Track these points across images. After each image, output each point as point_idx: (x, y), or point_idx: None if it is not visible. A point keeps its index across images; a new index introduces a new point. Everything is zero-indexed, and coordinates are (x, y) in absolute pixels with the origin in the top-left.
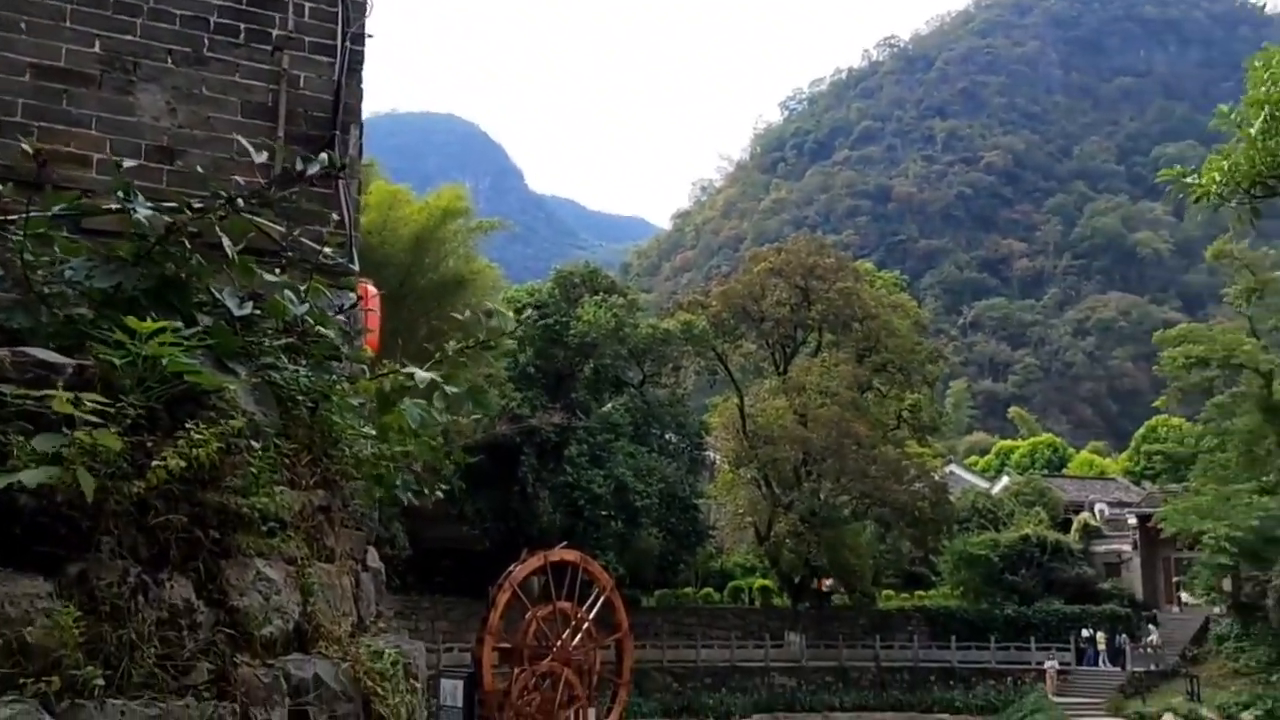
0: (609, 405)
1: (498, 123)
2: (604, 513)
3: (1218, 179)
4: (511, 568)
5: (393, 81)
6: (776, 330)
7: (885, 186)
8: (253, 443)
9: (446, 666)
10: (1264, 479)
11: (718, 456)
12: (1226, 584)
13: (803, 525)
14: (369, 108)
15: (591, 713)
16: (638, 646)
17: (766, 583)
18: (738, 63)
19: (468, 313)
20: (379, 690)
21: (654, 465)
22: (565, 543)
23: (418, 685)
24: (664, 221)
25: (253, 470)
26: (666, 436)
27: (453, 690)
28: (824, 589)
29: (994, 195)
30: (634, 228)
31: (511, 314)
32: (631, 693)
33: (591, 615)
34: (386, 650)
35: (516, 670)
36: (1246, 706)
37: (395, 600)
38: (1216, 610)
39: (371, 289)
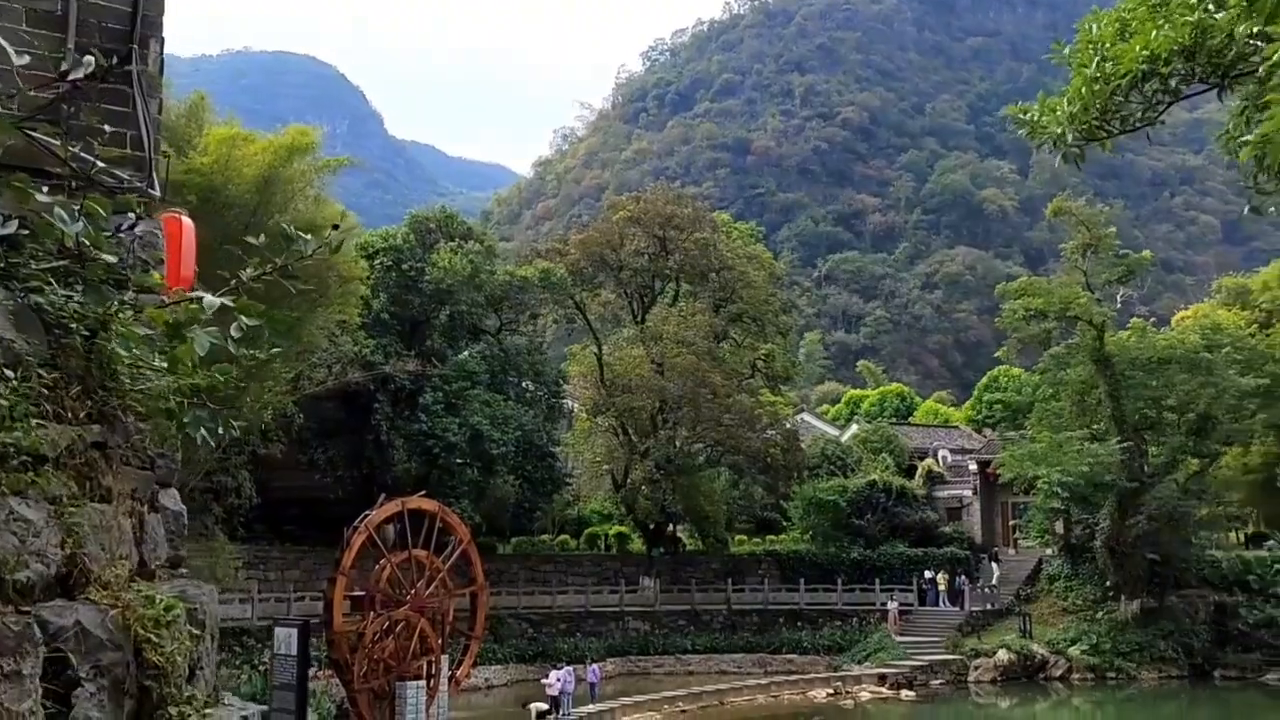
0: (465, 353)
1: (358, 66)
2: (459, 460)
3: (1058, 116)
4: (368, 512)
5: (246, 19)
6: (635, 280)
7: (744, 140)
8: (7, 371)
9: (296, 615)
10: (1094, 427)
11: (576, 405)
12: (1058, 527)
13: (658, 472)
14: (218, 45)
15: (445, 660)
16: (493, 593)
17: (623, 529)
18: (601, 10)
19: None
20: (152, 638)
21: (510, 413)
22: (423, 491)
23: (205, 633)
24: (526, 170)
25: (3, 401)
26: (524, 385)
27: (287, 638)
28: (678, 534)
29: (849, 151)
30: (496, 175)
31: (364, 260)
32: (486, 639)
33: (447, 566)
34: (165, 597)
35: (370, 615)
36: (1074, 641)
37: (243, 549)
38: (1049, 552)
39: (185, 220)
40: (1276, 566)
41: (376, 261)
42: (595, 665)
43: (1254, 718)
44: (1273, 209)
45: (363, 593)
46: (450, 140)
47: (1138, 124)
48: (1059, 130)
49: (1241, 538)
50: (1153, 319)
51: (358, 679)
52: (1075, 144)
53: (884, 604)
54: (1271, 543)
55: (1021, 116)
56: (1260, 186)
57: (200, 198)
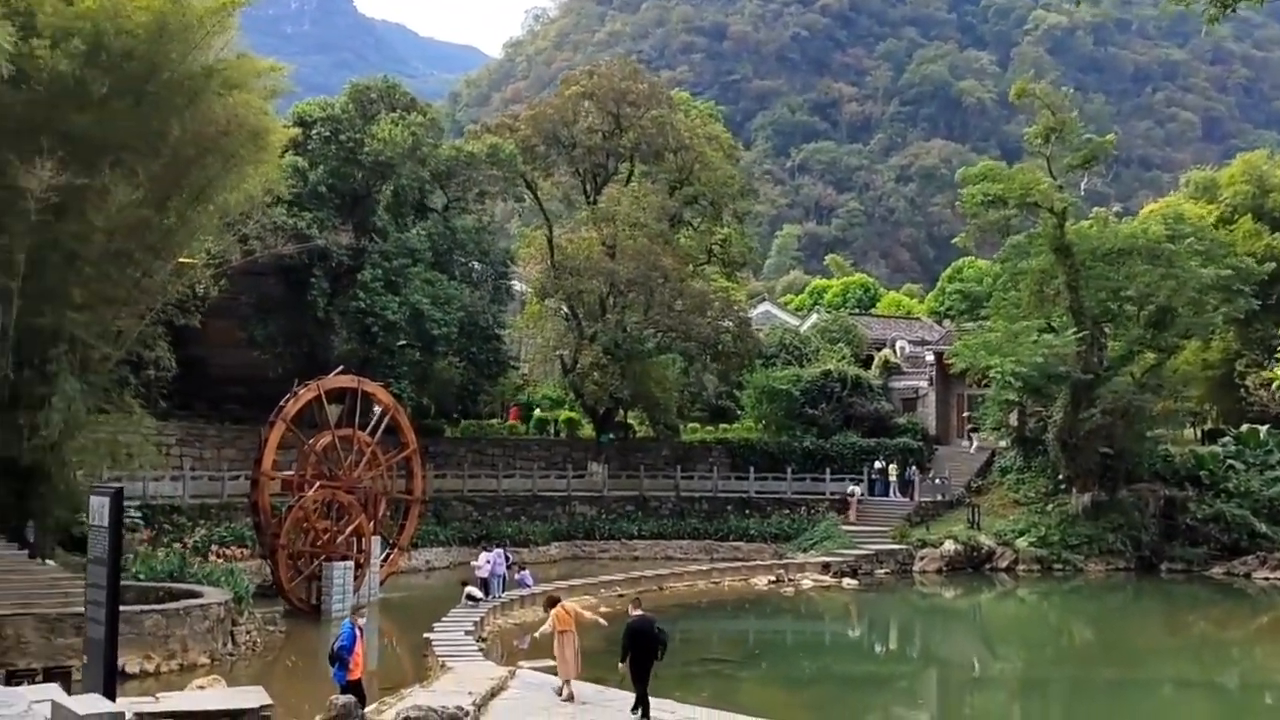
0: (413, 230)
1: None
2: (400, 341)
3: None
4: (283, 402)
5: None
6: (588, 158)
7: (722, 24)
8: None
9: (230, 494)
10: (1052, 318)
11: (525, 288)
12: (1012, 418)
13: (607, 357)
14: None
15: (375, 540)
16: (438, 476)
17: (573, 415)
18: None
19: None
20: None
21: (454, 293)
22: (341, 368)
23: None
24: (498, 53)
25: None
26: (470, 265)
27: (99, 507)
28: (629, 420)
29: (828, 38)
30: (467, 58)
31: (298, 129)
32: (427, 520)
33: (375, 439)
34: None
35: (293, 502)
36: (1022, 533)
37: (178, 426)
38: (1002, 444)
39: None
40: (1229, 462)
41: (314, 132)
42: (527, 572)
43: (1196, 609)
44: None
45: (288, 476)
46: (422, 20)
47: None
48: None
49: (1198, 434)
50: (1128, 216)
51: (284, 568)
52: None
53: (834, 493)
54: (1226, 439)
55: None
56: None
57: (89, 45)
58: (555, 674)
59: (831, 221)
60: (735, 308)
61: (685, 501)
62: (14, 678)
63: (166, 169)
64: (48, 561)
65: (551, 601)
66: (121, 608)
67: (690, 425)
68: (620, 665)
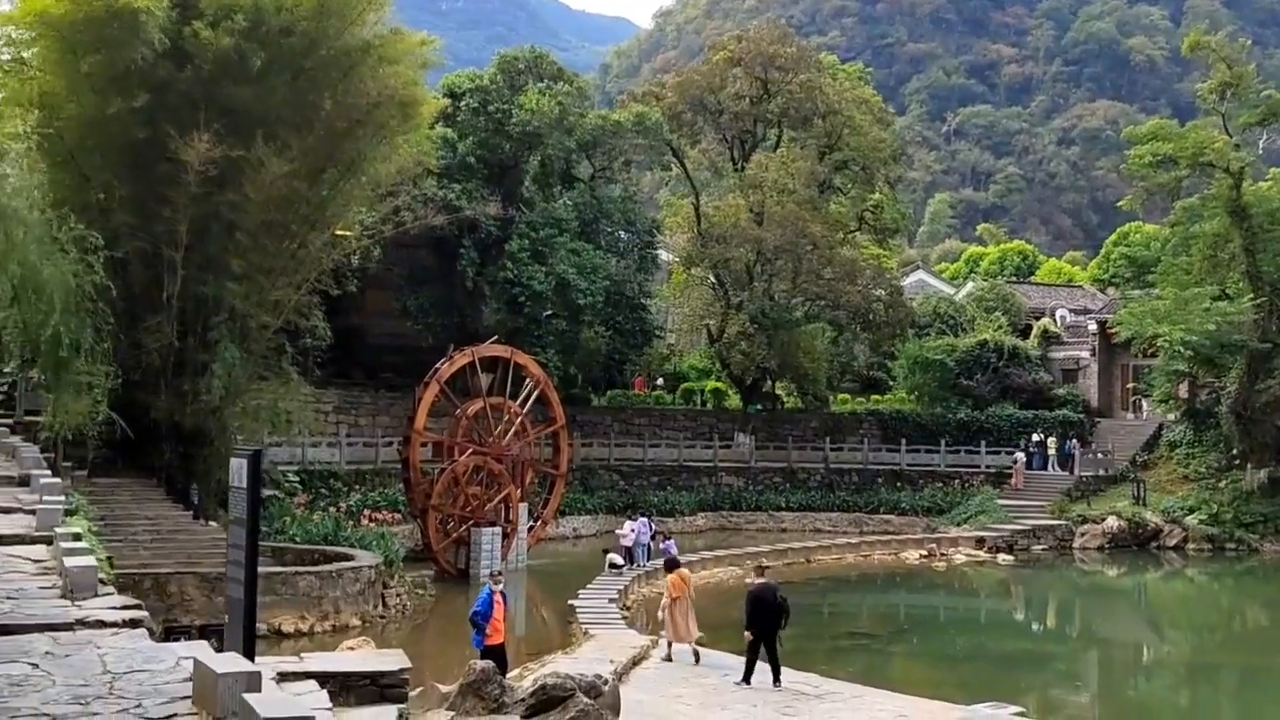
0: (560, 200)
1: None
2: (546, 311)
3: None
4: (438, 365)
5: None
6: (735, 124)
7: None
8: None
9: (384, 461)
10: (1226, 285)
11: (672, 257)
12: (1181, 390)
13: (753, 326)
14: None
15: (523, 507)
16: (584, 444)
17: (719, 385)
18: None
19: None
20: None
21: (600, 263)
22: (496, 338)
23: None
24: (648, 23)
25: None
26: (617, 234)
27: (238, 469)
28: (776, 391)
29: None
30: (618, 29)
31: (447, 100)
32: (573, 489)
33: (525, 410)
34: None
35: (445, 465)
36: (1192, 510)
37: (336, 394)
38: (1170, 417)
39: None
40: None
41: (463, 103)
42: (672, 541)
43: None
44: None
45: (439, 440)
46: None
47: None
48: None
49: None
50: None
51: (434, 530)
52: None
53: (989, 466)
54: None
55: None
56: None
57: (250, 22)
58: (700, 645)
59: (989, 188)
60: (887, 276)
61: (834, 473)
62: (171, 634)
63: (319, 141)
64: (210, 523)
65: (670, 565)
66: (278, 569)
67: (840, 396)
68: (746, 634)
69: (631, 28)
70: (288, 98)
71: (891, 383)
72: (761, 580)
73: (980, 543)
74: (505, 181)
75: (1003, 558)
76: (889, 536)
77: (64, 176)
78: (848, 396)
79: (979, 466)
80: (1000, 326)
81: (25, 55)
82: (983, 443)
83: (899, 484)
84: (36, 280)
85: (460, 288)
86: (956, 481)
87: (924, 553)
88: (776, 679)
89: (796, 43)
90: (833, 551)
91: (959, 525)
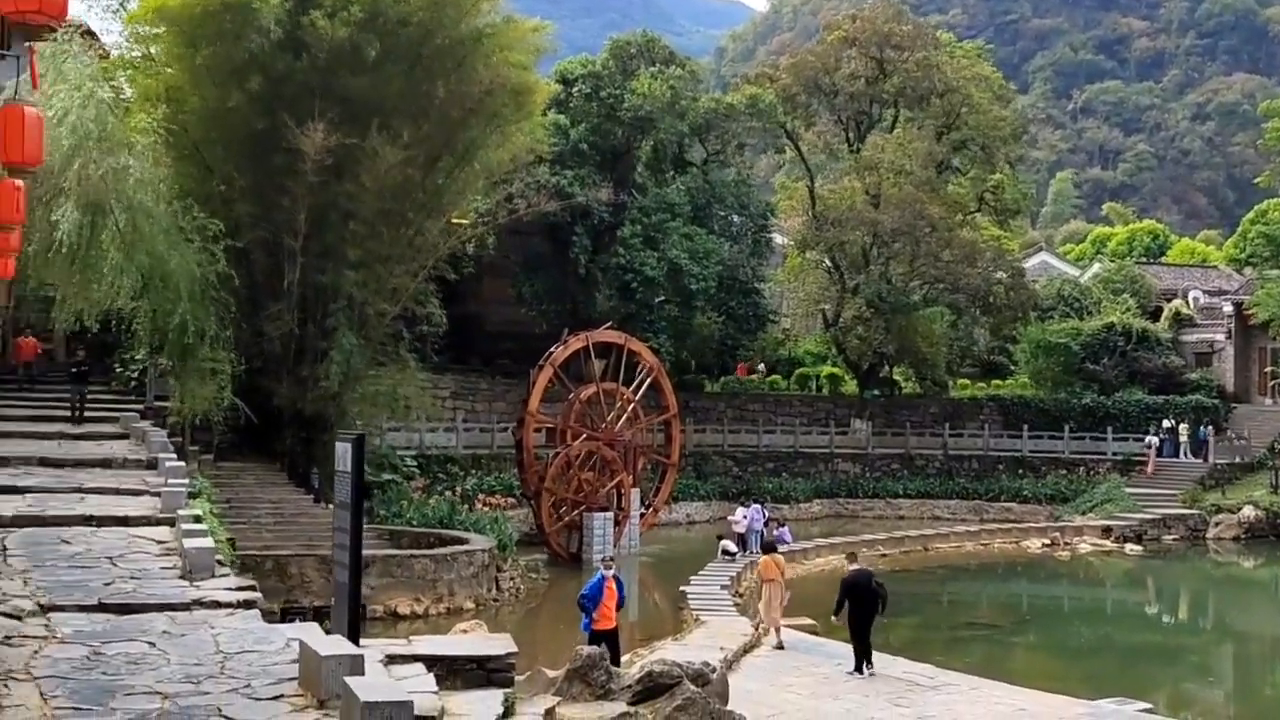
0: (672, 185)
1: None
2: (658, 296)
3: None
4: (553, 349)
5: None
6: (850, 105)
7: None
8: None
9: (498, 446)
10: None
11: (786, 240)
12: None
13: (869, 310)
14: None
15: (635, 492)
16: (698, 430)
17: (835, 370)
18: None
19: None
20: None
21: (712, 248)
22: (610, 324)
23: None
24: (763, 6)
25: None
26: (730, 218)
27: (343, 454)
28: (894, 377)
29: None
30: (733, 12)
31: (559, 86)
32: (686, 474)
33: (638, 396)
34: None
35: (559, 449)
36: None
37: (453, 380)
38: None
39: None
40: None
41: (575, 89)
42: (786, 529)
43: None
44: None
45: (551, 424)
46: None
47: None
48: None
49: None
50: None
51: (547, 512)
52: None
53: (1116, 453)
54: None
55: None
56: None
57: (366, 13)
58: (813, 634)
59: (1117, 166)
60: (1008, 258)
61: (954, 460)
62: (288, 615)
63: (433, 129)
64: (330, 506)
65: (766, 548)
66: (394, 551)
67: (960, 381)
68: (834, 618)
69: (747, 11)
70: (402, 87)
71: (1013, 367)
72: (856, 566)
73: (1107, 532)
74: (617, 167)
75: (1130, 548)
76: (1010, 525)
77: (188, 168)
78: (967, 381)
79: (1105, 453)
80: (1128, 309)
81: (152, 51)
82: (1109, 429)
83: (1020, 471)
84: (164, 270)
85: (573, 274)
86: (1081, 469)
87: (1047, 541)
88: (867, 664)
89: (913, 20)
90: (951, 539)
91: (1084, 514)
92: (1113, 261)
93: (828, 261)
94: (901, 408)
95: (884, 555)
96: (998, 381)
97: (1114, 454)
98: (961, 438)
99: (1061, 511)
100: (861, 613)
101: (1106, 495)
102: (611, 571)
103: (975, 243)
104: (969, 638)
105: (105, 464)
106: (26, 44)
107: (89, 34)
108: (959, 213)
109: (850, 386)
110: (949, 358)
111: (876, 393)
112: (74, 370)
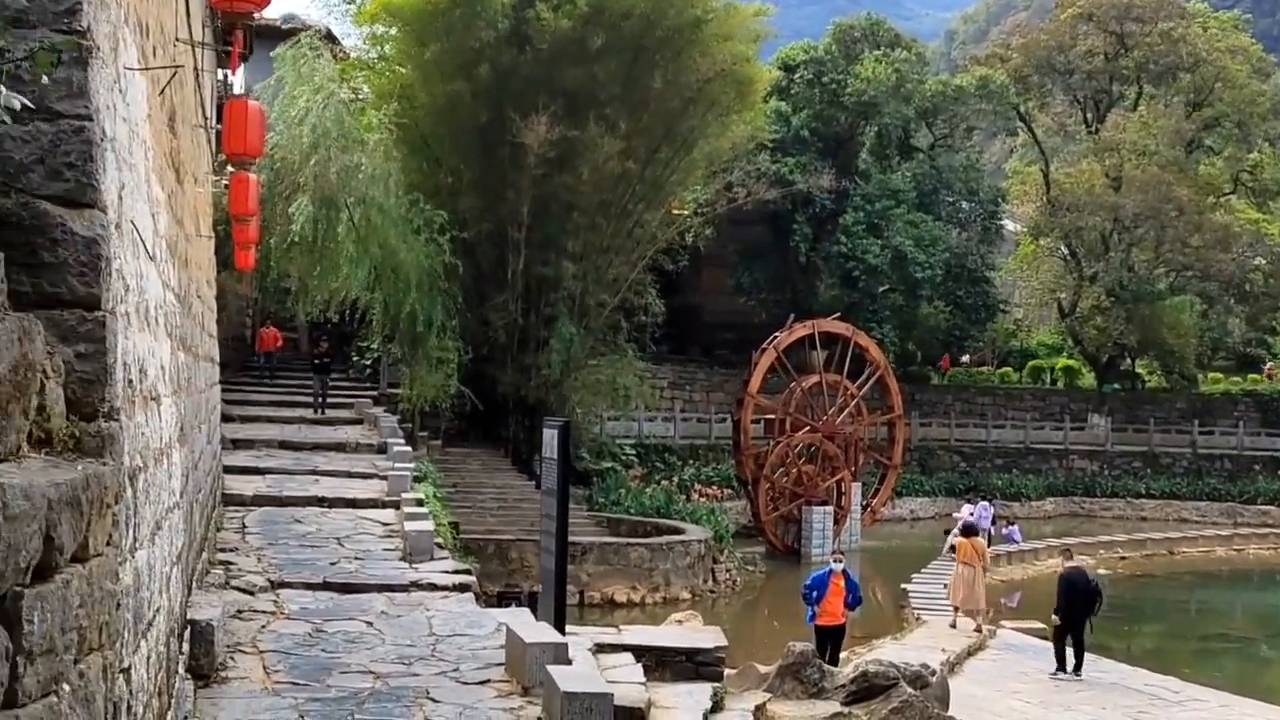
0: (897, 171)
1: None
2: (882, 285)
3: None
4: (777, 334)
5: None
6: (1087, 84)
7: None
8: None
9: (716, 437)
10: None
11: (1018, 227)
12: None
13: (1109, 300)
14: None
15: (856, 487)
16: (923, 424)
17: (1070, 363)
18: None
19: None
20: None
21: (938, 234)
22: (837, 314)
23: None
24: None
25: None
26: (958, 204)
27: (550, 440)
28: (1136, 370)
29: None
30: None
31: (781, 73)
32: (911, 469)
33: (862, 392)
34: None
35: (778, 439)
36: None
37: (671, 369)
38: None
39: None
40: None
41: (797, 75)
42: (1016, 527)
43: None
44: None
45: (771, 415)
46: None
47: None
48: None
49: None
50: None
51: (764, 500)
52: None
53: None
54: None
55: None
56: None
57: (591, 7)
58: (1043, 638)
59: None
60: (1267, 242)
61: (1203, 459)
62: (504, 598)
63: (652, 119)
64: None
65: (967, 530)
66: (611, 539)
67: (1211, 375)
68: (1053, 617)
69: None
70: (623, 78)
71: (1272, 360)
72: (1073, 564)
73: None
74: (840, 153)
75: None
76: (1267, 530)
77: (417, 162)
78: (1220, 375)
79: None
80: None
81: (385, 50)
82: None
83: None
84: (394, 261)
85: (793, 263)
86: None
87: None
88: (1079, 667)
89: None
90: (1200, 544)
91: None
92: None
93: (1063, 248)
94: (1144, 402)
95: (1123, 558)
96: (1254, 376)
97: None
98: (1213, 435)
99: None
100: (1076, 612)
101: None
102: (840, 566)
103: (1229, 226)
104: (1220, 650)
105: (339, 448)
106: (270, 53)
107: (330, 38)
108: (1211, 195)
109: (1087, 380)
110: (1199, 350)
111: (1116, 386)
112: (317, 361)
